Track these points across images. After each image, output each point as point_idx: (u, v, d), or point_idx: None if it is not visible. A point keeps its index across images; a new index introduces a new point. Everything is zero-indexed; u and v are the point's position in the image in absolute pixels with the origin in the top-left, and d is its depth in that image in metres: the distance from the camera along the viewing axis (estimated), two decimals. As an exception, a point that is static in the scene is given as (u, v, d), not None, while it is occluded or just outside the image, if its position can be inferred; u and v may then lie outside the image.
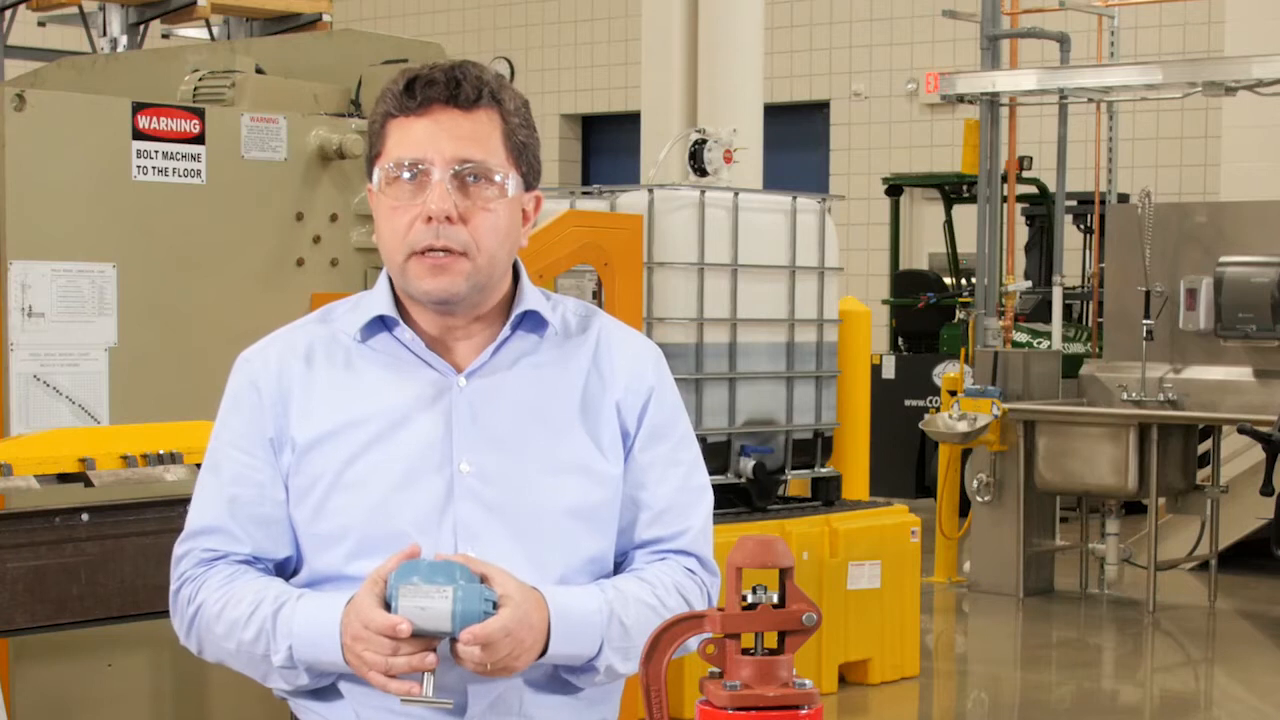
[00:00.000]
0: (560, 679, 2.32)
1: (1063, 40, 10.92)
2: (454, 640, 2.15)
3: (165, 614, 2.44)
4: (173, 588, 2.38)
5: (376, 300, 2.37)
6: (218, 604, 2.31)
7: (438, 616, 2.12)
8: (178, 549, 2.39)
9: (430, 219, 2.26)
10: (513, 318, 2.37)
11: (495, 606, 2.15)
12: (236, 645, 2.29)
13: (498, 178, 2.30)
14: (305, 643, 2.23)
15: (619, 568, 2.42)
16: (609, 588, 2.32)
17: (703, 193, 7.24)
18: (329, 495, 2.31)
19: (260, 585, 2.31)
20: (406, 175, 2.28)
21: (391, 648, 2.14)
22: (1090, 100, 10.78)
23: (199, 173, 4.93)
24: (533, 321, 2.39)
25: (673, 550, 2.41)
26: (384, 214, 2.31)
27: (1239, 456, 10.41)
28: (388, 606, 2.14)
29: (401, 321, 2.36)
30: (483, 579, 2.17)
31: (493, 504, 2.30)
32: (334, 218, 5.22)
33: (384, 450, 2.30)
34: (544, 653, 2.22)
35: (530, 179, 2.37)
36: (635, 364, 2.42)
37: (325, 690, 2.35)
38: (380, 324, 2.37)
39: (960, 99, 10.88)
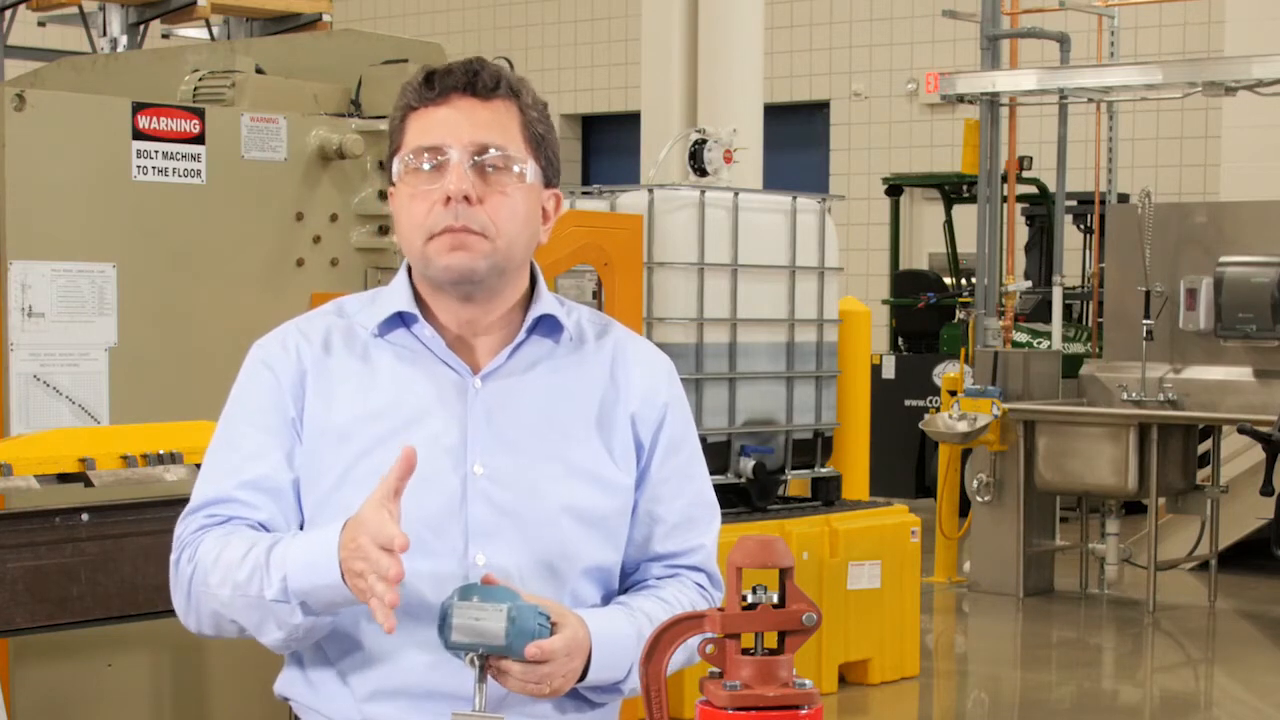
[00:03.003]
0: (574, 692, 2.31)
1: (1063, 40, 10.91)
2: (497, 659, 2.16)
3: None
4: (172, 559, 2.34)
5: (396, 296, 2.37)
6: (213, 553, 2.27)
7: (491, 630, 2.14)
8: (179, 526, 2.35)
9: (449, 200, 2.26)
10: (529, 320, 2.37)
11: (550, 622, 2.17)
12: (231, 589, 2.23)
13: (516, 166, 2.30)
14: (300, 567, 2.18)
15: (628, 578, 2.43)
16: (637, 612, 2.33)
17: (703, 193, 7.24)
18: (338, 488, 2.30)
19: (257, 534, 2.28)
20: (426, 164, 2.28)
21: (387, 564, 2.09)
22: (1090, 100, 10.78)
23: (199, 173, 4.93)
24: (548, 326, 2.39)
25: (686, 566, 2.43)
26: (403, 203, 2.31)
27: (1239, 456, 10.41)
28: (443, 624, 2.15)
29: (421, 318, 2.36)
30: None
31: (505, 507, 2.30)
32: (334, 218, 5.22)
33: (397, 447, 2.29)
34: (582, 677, 2.24)
35: (549, 174, 2.37)
36: (651, 377, 2.43)
37: (325, 686, 2.35)
38: (399, 320, 2.37)
39: (960, 99, 10.88)
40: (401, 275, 2.39)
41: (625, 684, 2.30)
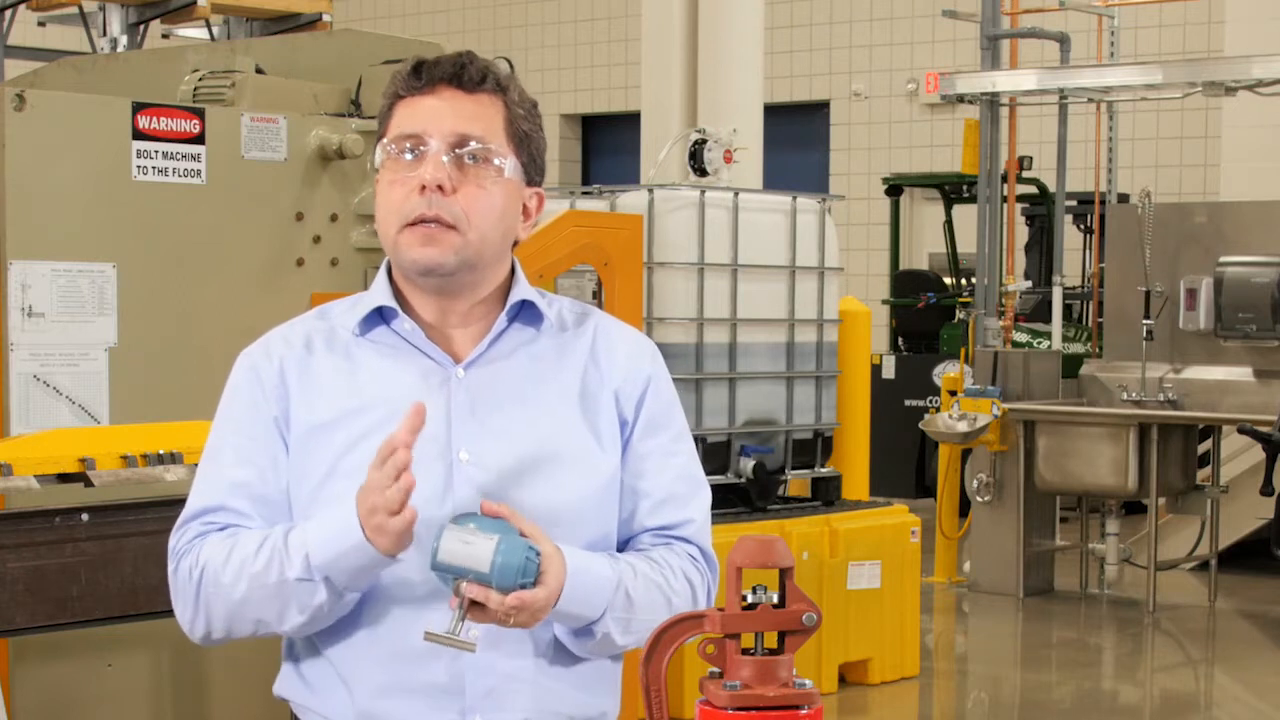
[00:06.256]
0: (563, 654, 2.34)
1: (1063, 40, 10.92)
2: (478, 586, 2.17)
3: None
4: (170, 569, 2.37)
5: (375, 293, 2.40)
6: (223, 553, 2.30)
7: (478, 557, 2.15)
8: (173, 536, 2.38)
9: (424, 188, 2.29)
10: (508, 308, 2.40)
11: (537, 555, 2.19)
12: (248, 583, 2.27)
13: (496, 160, 2.33)
14: (322, 541, 2.23)
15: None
16: (620, 561, 2.35)
17: (703, 193, 7.24)
18: (325, 482, 2.32)
19: (266, 530, 2.32)
20: (407, 153, 2.32)
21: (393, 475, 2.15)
22: (1090, 100, 10.78)
23: (199, 173, 4.93)
24: (529, 314, 2.42)
25: (675, 538, 2.44)
26: (382, 189, 2.35)
27: (1239, 456, 10.41)
28: (434, 543, 2.17)
29: (401, 312, 2.38)
30: (522, 535, 2.22)
31: (491, 492, 2.31)
32: (334, 218, 5.22)
33: (383, 438, 2.31)
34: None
35: (532, 172, 2.40)
36: (633, 355, 2.45)
37: (323, 685, 2.36)
38: (379, 317, 2.40)
39: (960, 99, 10.88)
40: (381, 274, 2.42)
41: (598, 627, 2.30)
